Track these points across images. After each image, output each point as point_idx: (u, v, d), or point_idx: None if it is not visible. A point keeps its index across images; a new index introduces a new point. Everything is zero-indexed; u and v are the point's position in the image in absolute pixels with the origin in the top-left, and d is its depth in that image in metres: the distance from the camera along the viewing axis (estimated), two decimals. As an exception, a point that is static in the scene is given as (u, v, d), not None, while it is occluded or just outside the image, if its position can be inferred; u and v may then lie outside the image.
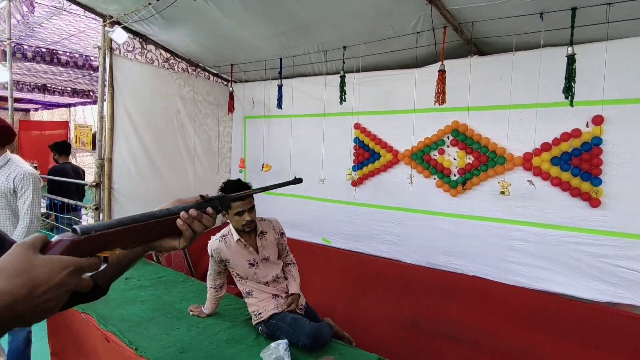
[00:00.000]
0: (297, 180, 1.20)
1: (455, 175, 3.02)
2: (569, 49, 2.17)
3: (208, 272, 2.39)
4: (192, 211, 0.77)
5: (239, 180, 2.28)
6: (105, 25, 3.20)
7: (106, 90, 3.31)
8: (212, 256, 2.35)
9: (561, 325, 2.62)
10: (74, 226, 0.61)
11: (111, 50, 3.29)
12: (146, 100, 3.63)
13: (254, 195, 2.28)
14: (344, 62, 3.11)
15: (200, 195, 0.83)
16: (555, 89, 2.46)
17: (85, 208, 3.59)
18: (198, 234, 0.78)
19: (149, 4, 2.81)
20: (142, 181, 3.64)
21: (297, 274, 2.45)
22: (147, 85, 3.61)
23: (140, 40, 3.56)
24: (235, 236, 2.27)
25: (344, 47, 3.09)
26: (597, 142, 2.46)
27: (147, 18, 3.00)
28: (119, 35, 3.21)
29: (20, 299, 0.49)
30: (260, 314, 2.29)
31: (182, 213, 0.76)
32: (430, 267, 3.17)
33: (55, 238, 0.58)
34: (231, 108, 3.91)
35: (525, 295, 2.76)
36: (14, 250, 0.52)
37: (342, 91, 3.08)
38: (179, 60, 3.91)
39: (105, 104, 3.32)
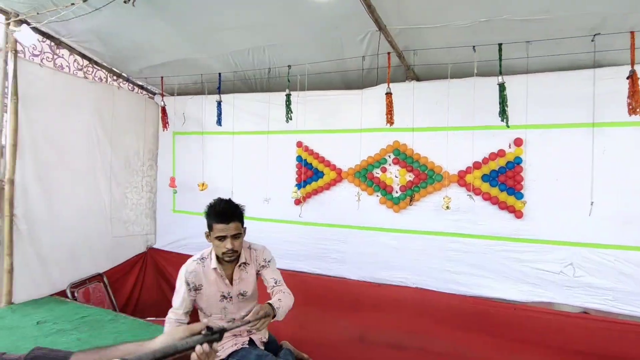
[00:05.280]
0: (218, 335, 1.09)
1: (397, 192, 3.17)
2: (499, 78, 2.46)
3: (173, 307, 1.99)
4: (206, 346, 0.91)
5: (229, 200, 1.99)
6: (9, 24, 2.73)
7: (8, 99, 2.80)
8: (187, 283, 1.97)
9: (494, 326, 2.88)
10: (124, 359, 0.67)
11: (15, 52, 2.80)
12: (57, 113, 3.16)
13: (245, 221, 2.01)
14: (289, 81, 3.09)
15: (207, 327, 0.96)
16: (485, 113, 2.76)
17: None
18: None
19: (72, 4, 2.47)
20: (49, 205, 3.13)
21: (286, 299, 1.98)
22: (59, 95, 3.15)
23: (52, 43, 3.10)
24: (214, 263, 1.99)
25: (289, 66, 3.08)
26: (518, 161, 2.81)
27: (67, 19, 2.62)
28: (27, 37, 2.77)
29: None
30: (217, 352, 2.08)
31: (198, 347, 0.89)
32: (375, 282, 3.25)
33: None
34: (165, 124, 3.60)
35: (463, 301, 2.98)
36: None
37: (289, 109, 3.05)
38: (98, 68, 3.50)
39: (6, 115, 2.80)
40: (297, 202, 3.48)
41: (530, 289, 2.84)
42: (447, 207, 2.77)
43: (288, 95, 3.08)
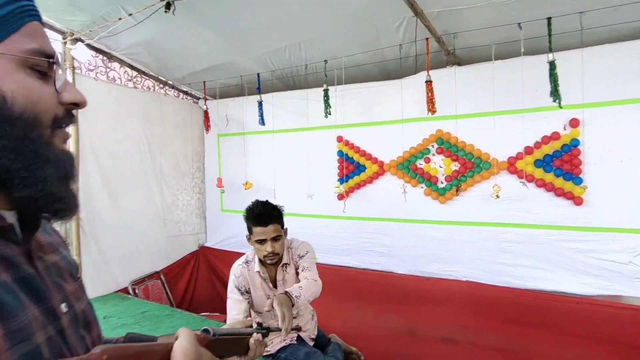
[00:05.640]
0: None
1: (442, 183, 3.07)
2: (550, 55, 2.28)
3: (232, 316, 1.97)
4: (260, 335, 1.02)
5: (266, 202, 2.01)
6: (65, 42, 2.95)
7: (69, 112, 3.03)
8: (238, 289, 1.98)
9: (555, 321, 2.70)
10: (207, 327, 0.73)
11: (73, 69, 3.03)
12: (111, 122, 3.37)
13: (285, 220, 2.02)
14: (326, 76, 3.08)
15: (257, 323, 1.11)
16: (536, 94, 2.59)
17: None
18: (256, 356, 1.00)
19: (119, 18, 2.63)
20: (109, 208, 3.36)
21: (308, 284, 1.85)
22: (112, 106, 3.36)
23: (104, 58, 3.32)
24: (257, 266, 2.00)
25: (325, 61, 3.06)
26: (575, 143, 2.60)
27: (116, 34, 2.79)
28: (82, 53, 2.98)
29: None
30: (267, 346, 2.12)
31: (255, 335, 0.98)
32: (423, 275, 3.17)
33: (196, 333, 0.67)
34: (207, 127, 3.75)
35: (519, 295, 2.82)
36: (188, 337, 0.59)
37: (327, 104, 3.04)
38: (146, 78, 3.70)
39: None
40: (340, 197, 3.46)
41: (595, 282, 2.62)
42: (497, 196, 2.64)
43: (326, 91, 3.07)
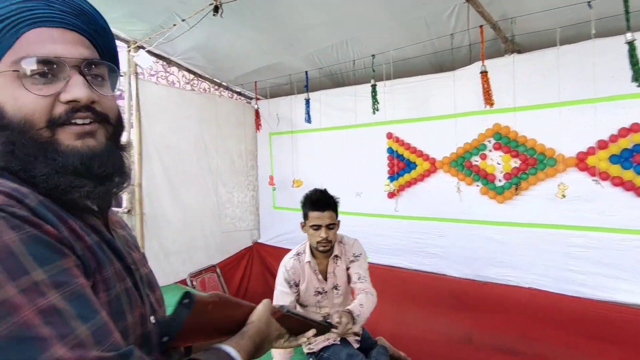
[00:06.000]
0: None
1: (500, 181, 2.84)
2: (628, 35, 1.99)
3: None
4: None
5: (324, 191, 2.05)
6: (129, 50, 3.19)
7: (133, 116, 3.28)
8: (287, 282, 2.01)
9: (636, 338, 2.38)
10: (282, 304, 0.86)
11: (136, 75, 3.27)
12: (171, 123, 3.58)
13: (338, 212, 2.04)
14: (374, 71, 3.00)
15: (323, 316, 1.14)
16: (610, 82, 2.30)
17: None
18: (300, 343, 1.01)
19: (174, 25, 2.77)
20: (169, 204, 3.57)
21: (367, 301, 1.85)
22: (171, 108, 3.57)
23: (164, 63, 3.54)
24: (308, 256, 2.03)
25: (373, 56, 2.98)
26: (661, 135, 2.27)
27: (172, 39, 2.95)
28: (144, 60, 3.19)
29: (265, 341, 0.77)
30: (310, 343, 2.12)
31: (311, 332, 1.01)
32: (479, 280, 2.97)
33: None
34: (258, 126, 3.84)
35: (591, 306, 2.53)
36: (266, 306, 0.80)
37: (375, 100, 2.96)
38: (202, 80, 3.88)
39: (132, 129, 3.29)
40: (391, 195, 3.37)
41: (686, 295, 2.28)
42: (563, 196, 2.38)
43: (373, 86, 2.98)
